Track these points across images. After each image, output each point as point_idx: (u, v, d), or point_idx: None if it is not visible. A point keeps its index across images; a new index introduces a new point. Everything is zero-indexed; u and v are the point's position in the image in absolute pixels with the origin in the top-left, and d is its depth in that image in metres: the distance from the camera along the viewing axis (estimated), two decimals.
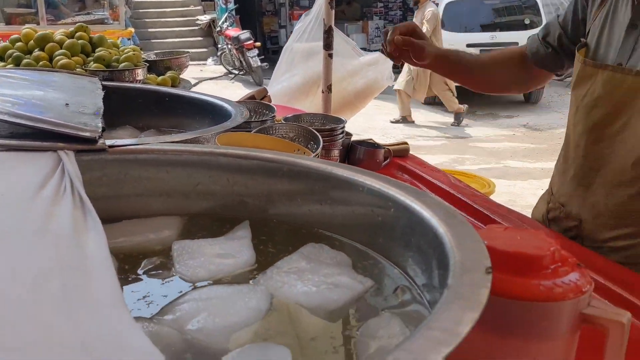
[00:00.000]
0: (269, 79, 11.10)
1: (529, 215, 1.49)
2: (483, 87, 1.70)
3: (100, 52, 1.70)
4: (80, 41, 1.76)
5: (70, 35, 1.80)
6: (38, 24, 6.95)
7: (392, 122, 8.16)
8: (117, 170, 0.88)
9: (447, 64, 1.56)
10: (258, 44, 11.25)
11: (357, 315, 0.64)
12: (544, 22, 9.03)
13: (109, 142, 0.88)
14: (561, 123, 7.79)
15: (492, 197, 3.06)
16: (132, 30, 8.05)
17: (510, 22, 9.34)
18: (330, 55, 2.07)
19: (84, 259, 0.58)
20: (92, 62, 1.66)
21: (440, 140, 7.28)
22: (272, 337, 0.57)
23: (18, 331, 0.43)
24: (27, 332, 0.43)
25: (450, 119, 8.31)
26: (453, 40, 9.13)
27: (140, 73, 1.58)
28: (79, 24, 1.89)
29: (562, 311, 0.59)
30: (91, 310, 0.48)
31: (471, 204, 1.47)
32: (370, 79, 2.44)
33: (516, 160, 6.23)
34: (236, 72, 11.73)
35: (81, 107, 1.04)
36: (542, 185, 5.48)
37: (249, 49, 10.79)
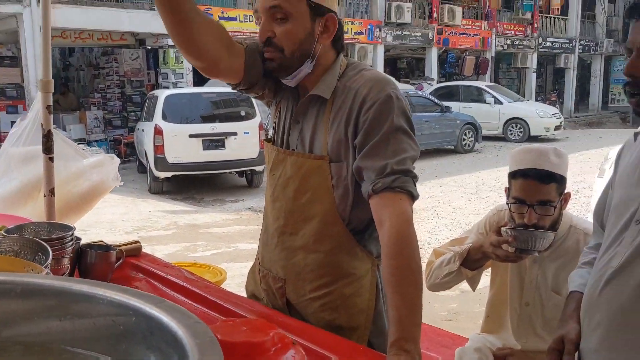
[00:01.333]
0: None
1: None
2: None
3: None
4: None
5: None
6: None
7: None
8: None
9: None
10: None
11: None
12: (257, 113, 9.81)
13: None
14: None
15: (225, 282, 3.22)
16: None
17: (228, 114, 10.01)
18: (52, 159, 2.02)
19: None
20: None
21: (171, 229, 7.30)
22: None
23: None
24: None
25: (180, 206, 8.41)
26: (176, 131, 9.41)
27: None
28: None
29: None
30: None
31: (206, 295, 1.57)
32: (95, 181, 2.42)
33: (244, 242, 6.57)
34: None
35: None
36: None
37: None
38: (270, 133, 1.66)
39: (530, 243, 1.70)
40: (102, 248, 1.77)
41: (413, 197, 1.34)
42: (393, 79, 1.70)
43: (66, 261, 1.49)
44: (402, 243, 1.28)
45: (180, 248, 6.40)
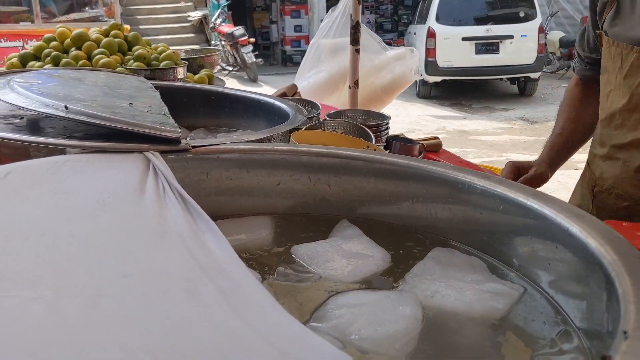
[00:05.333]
0: (264, 74, 11.00)
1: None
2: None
3: (138, 50, 1.67)
4: (116, 39, 1.73)
5: (105, 34, 1.77)
6: (33, 22, 6.87)
7: None
8: (199, 171, 0.87)
9: (560, 158, 1.54)
10: (252, 40, 11.20)
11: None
12: (539, 14, 8.99)
13: (191, 142, 0.87)
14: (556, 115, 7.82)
15: None
16: (128, 27, 7.98)
17: (505, 15, 9.35)
18: (358, 51, 2.05)
19: (217, 262, 0.57)
20: (131, 61, 1.64)
21: (440, 134, 7.28)
22: (441, 349, 0.55)
23: (202, 337, 0.42)
24: (212, 338, 0.42)
25: (448, 112, 8.32)
26: (449, 34, 9.15)
27: (181, 72, 1.56)
28: (113, 22, 1.86)
29: None
30: (258, 313, 0.46)
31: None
32: (397, 73, 2.42)
33: (517, 153, 6.25)
34: (230, 68, 11.67)
35: (145, 107, 1.03)
36: None
37: (243, 45, 10.73)
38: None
39: None
40: (406, 141, 1.76)
41: None
42: None
43: (381, 148, 1.50)
44: None
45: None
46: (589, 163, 1.49)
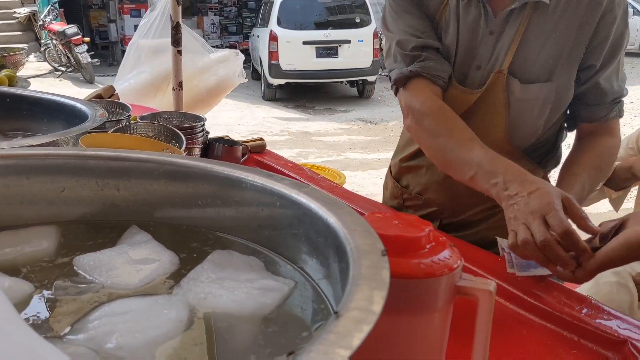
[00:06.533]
0: (101, 75, 10.45)
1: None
2: None
3: None
4: None
5: None
6: None
7: None
8: None
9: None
10: (87, 39, 10.57)
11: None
12: (373, 20, 9.50)
13: None
14: (393, 116, 8.34)
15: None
16: None
17: (342, 21, 9.76)
18: (180, 52, 2.02)
19: None
20: None
21: (284, 135, 7.42)
22: (203, 349, 0.56)
23: None
24: None
25: (292, 114, 8.50)
26: (290, 37, 9.35)
27: None
28: None
29: (441, 285, 0.66)
30: None
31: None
32: (221, 76, 2.42)
33: (355, 152, 6.56)
34: (63, 69, 10.93)
35: None
36: (379, 174, 5.82)
37: (77, 45, 10.09)
38: None
39: None
40: (229, 142, 1.77)
41: None
42: None
43: (197, 151, 1.50)
44: None
45: (293, 154, 6.50)
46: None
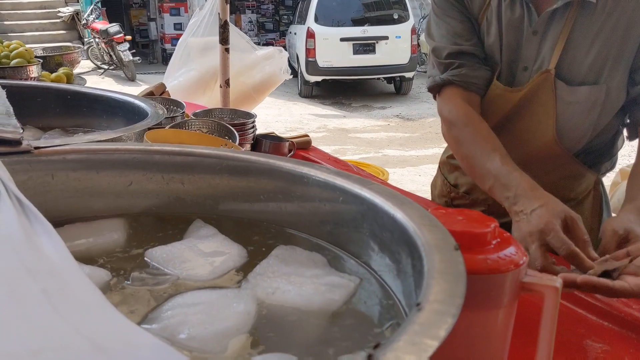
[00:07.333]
0: (142, 73, 10.63)
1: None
2: None
3: None
4: None
5: None
6: None
7: None
8: (44, 173, 0.84)
9: None
10: (128, 37, 10.79)
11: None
12: (411, 16, 9.42)
13: (34, 143, 0.83)
14: (430, 113, 8.28)
15: None
16: None
17: (380, 17, 9.72)
18: (227, 50, 2.05)
19: (49, 264, 0.56)
20: None
21: (321, 132, 7.44)
22: (274, 343, 0.58)
23: (16, 337, 0.41)
24: (26, 337, 0.41)
25: (329, 111, 8.51)
26: (327, 34, 9.36)
27: (34, 70, 1.48)
28: None
29: (506, 281, 0.66)
30: (84, 312, 0.46)
31: None
32: (267, 72, 2.45)
33: (393, 149, 6.53)
34: (106, 67, 11.18)
35: None
36: (418, 172, 5.78)
37: (119, 43, 10.31)
38: None
39: None
40: (276, 139, 1.80)
41: None
42: None
43: (247, 147, 1.52)
44: None
45: (330, 150, 6.50)
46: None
